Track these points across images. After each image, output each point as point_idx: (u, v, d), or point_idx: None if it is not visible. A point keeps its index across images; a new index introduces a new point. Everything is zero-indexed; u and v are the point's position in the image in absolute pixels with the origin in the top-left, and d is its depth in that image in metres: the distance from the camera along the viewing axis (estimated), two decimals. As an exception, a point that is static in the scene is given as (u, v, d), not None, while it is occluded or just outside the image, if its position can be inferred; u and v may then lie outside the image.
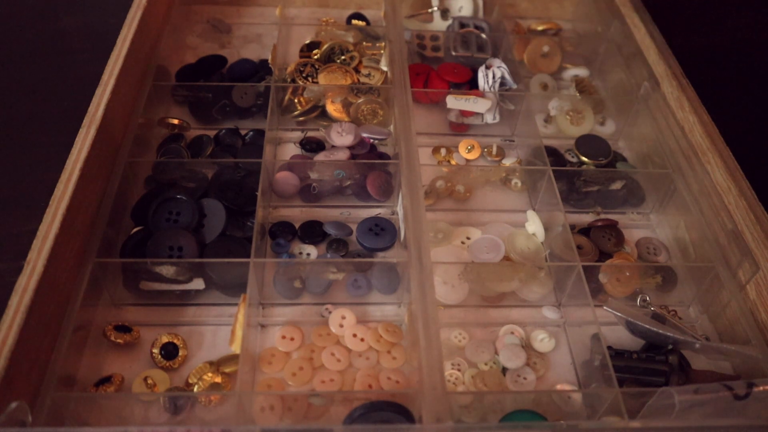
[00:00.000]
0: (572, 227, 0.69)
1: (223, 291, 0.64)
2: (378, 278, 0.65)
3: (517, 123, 0.82)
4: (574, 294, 0.63)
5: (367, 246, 0.69)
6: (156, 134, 0.78)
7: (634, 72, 0.84)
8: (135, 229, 0.67)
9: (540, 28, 0.98)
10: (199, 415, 0.56)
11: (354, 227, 0.70)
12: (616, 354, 0.59)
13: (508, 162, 0.79)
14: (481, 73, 0.83)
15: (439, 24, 0.95)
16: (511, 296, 0.66)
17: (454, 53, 0.88)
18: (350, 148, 0.75)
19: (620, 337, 0.63)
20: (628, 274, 0.66)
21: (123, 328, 0.60)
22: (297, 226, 0.70)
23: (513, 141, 0.82)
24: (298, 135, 0.80)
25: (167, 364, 0.59)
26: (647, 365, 0.58)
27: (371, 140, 0.77)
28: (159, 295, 0.63)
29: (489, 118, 0.82)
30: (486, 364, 0.61)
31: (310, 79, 0.83)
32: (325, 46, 0.87)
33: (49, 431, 0.49)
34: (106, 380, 0.56)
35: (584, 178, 0.74)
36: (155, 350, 0.59)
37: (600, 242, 0.70)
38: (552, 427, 0.52)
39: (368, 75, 0.83)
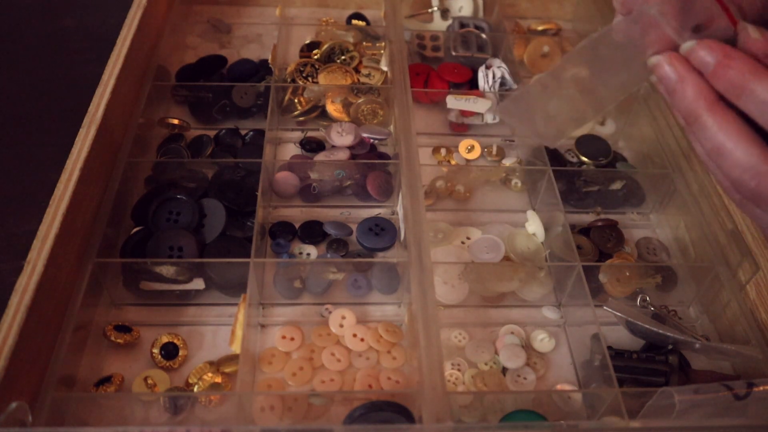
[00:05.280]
0: (572, 227, 0.69)
1: (223, 291, 0.64)
2: (378, 278, 0.65)
3: (517, 123, 0.82)
4: (574, 294, 0.63)
5: (367, 246, 0.69)
6: (156, 134, 0.78)
7: (634, 72, 0.83)
8: (135, 229, 0.67)
9: (540, 28, 0.97)
10: (199, 415, 0.56)
11: (354, 227, 0.70)
12: (616, 354, 0.59)
13: (508, 162, 0.79)
14: (481, 73, 0.83)
15: (439, 24, 0.95)
16: (511, 296, 0.66)
17: (454, 53, 0.87)
18: (350, 148, 0.75)
19: (620, 337, 0.63)
20: (628, 274, 0.66)
21: (123, 328, 0.60)
22: (297, 226, 0.70)
23: (513, 141, 0.82)
24: (298, 135, 0.80)
25: (167, 364, 0.59)
26: (647, 365, 0.58)
27: (371, 140, 0.77)
28: (159, 295, 0.63)
29: (489, 118, 0.82)
30: (486, 364, 0.61)
31: (310, 79, 0.83)
32: (325, 46, 0.87)
33: (49, 431, 0.49)
34: (106, 380, 0.56)
35: (584, 178, 0.74)
36: (155, 350, 0.59)
37: (600, 242, 0.70)
38: (552, 427, 0.52)
39: (368, 75, 0.83)
